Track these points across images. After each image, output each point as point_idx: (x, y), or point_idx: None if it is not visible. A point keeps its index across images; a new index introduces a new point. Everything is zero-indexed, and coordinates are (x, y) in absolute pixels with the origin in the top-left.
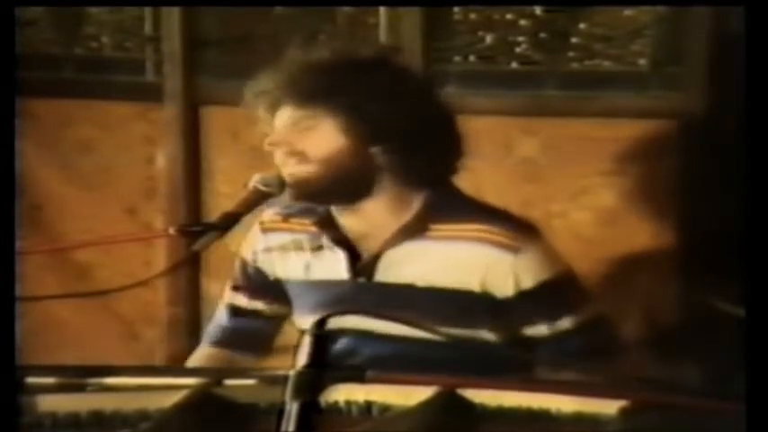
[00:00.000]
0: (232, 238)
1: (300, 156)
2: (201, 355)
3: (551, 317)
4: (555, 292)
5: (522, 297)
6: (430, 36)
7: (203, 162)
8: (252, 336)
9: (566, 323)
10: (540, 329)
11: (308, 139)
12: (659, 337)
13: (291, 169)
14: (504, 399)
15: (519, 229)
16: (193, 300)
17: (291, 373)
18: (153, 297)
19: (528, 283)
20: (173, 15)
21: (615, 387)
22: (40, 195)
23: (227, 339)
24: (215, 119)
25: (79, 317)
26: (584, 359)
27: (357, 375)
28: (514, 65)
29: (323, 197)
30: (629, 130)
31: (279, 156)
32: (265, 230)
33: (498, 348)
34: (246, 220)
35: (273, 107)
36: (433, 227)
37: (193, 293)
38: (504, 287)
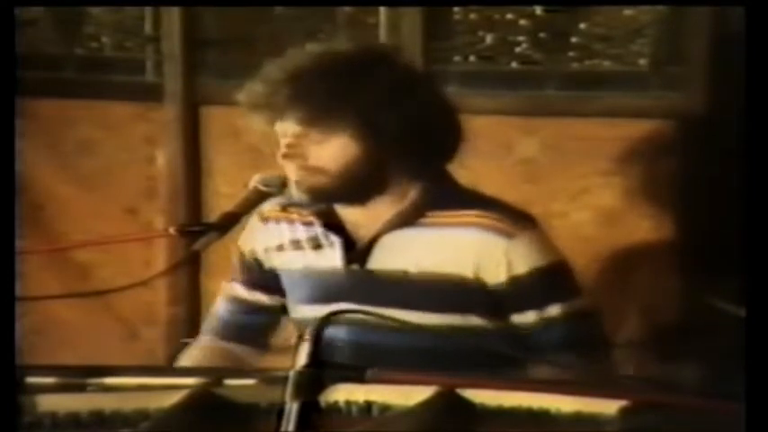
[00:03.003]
0: (232, 237)
1: (315, 169)
2: (200, 347)
3: (540, 304)
4: (546, 280)
5: (514, 283)
6: (430, 36)
7: (203, 162)
8: (251, 328)
9: (553, 311)
10: (527, 317)
11: (322, 151)
12: (659, 336)
13: (304, 179)
14: (504, 399)
15: (515, 216)
16: (193, 299)
17: (291, 373)
18: (153, 297)
19: (521, 268)
20: (173, 15)
21: (615, 387)
22: (41, 195)
23: (227, 332)
24: (215, 119)
25: (79, 317)
26: (568, 350)
27: (357, 375)
28: (514, 65)
29: (335, 199)
30: (629, 130)
31: (290, 168)
32: (264, 220)
33: (490, 338)
34: (246, 220)
35: (274, 118)
36: (429, 214)
37: (193, 293)
38: (496, 272)
